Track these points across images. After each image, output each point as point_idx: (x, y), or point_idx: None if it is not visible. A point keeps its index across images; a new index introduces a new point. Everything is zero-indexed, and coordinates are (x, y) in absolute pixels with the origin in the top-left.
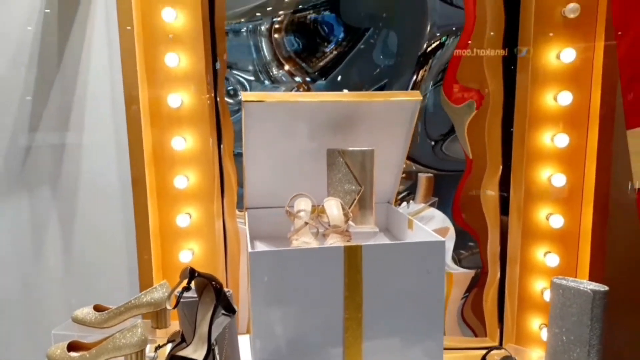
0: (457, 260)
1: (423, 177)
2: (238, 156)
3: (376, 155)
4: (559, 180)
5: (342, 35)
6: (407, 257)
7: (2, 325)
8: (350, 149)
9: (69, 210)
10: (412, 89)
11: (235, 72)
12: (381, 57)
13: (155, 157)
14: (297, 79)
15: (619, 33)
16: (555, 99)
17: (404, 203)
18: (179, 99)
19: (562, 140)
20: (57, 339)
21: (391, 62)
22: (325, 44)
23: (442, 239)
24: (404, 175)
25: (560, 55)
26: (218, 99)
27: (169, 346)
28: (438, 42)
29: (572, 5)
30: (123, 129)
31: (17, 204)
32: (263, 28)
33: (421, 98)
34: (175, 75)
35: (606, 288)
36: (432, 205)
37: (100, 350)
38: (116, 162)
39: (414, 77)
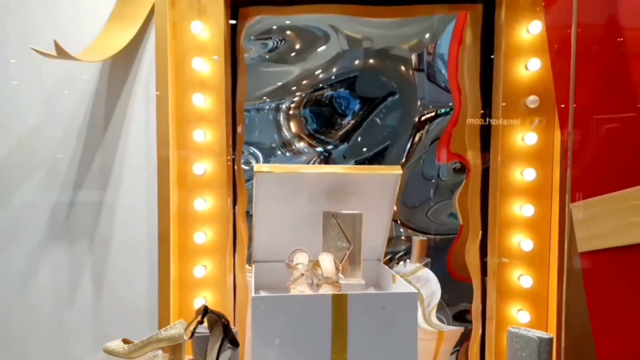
0: (450, 317)
1: (417, 240)
2: (250, 216)
3: (365, 218)
4: (528, 245)
5: (357, 107)
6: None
7: (40, 357)
8: (342, 212)
9: (102, 260)
10: (409, 151)
11: (255, 144)
12: (387, 123)
13: (179, 216)
14: (319, 149)
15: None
16: (522, 174)
17: (401, 262)
18: (202, 167)
19: (528, 210)
20: None
21: (393, 128)
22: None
23: (415, 291)
24: (403, 237)
25: (525, 138)
26: (236, 167)
27: None
28: (433, 114)
29: (532, 97)
30: (154, 191)
31: (58, 253)
32: (284, 106)
33: (401, 172)
34: (200, 147)
35: (551, 336)
36: (425, 265)
37: None
38: (146, 219)
39: (410, 141)
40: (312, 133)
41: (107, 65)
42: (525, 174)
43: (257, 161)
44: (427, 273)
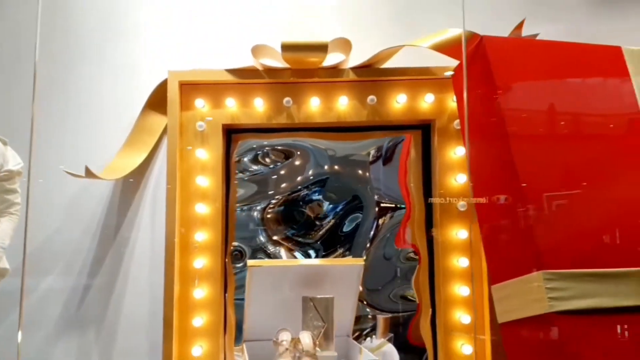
0: None
1: (381, 318)
2: (237, 303)
3: (335, 301)
4: (466, 319)
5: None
6: None
7: None
8: (317, 297)
9: (110, 343)
10: (372, 238)
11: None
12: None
13: (181, 304)
14: (297, 253)
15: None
16: (457, 262)
17: (368, 338)
18: (201, 262)
19: (465, 290)
20: None
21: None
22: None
23: (375, 358)
24: (369, 316)
25: (458, 233)
26: (227, 261)
27: None
28: (392, 206)
29: (461, 202)
30: (156, 282)
31: (69, 339)
32: (260, 208)
33: (363, 263)
34: (200, 245)
35: None
36: (389, 340)
37: None
38: (147, 308)
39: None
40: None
41: (120, 180)
42: (460, 262)
43: (243, 256)
44: (390, 348)
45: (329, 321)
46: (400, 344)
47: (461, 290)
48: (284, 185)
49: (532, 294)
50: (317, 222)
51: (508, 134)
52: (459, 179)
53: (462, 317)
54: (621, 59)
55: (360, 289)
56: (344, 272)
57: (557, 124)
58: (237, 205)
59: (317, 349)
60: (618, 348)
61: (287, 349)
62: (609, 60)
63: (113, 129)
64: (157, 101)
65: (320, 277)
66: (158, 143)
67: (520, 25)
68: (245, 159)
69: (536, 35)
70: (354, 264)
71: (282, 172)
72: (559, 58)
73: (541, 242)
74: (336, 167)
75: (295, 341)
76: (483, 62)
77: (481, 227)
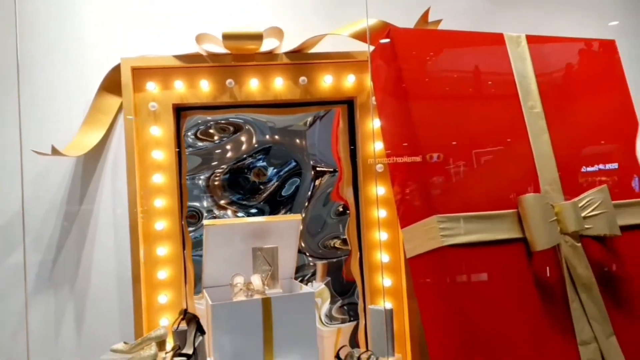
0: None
1: (319, 264)
2: (195, 258)
3: (280, 250)
4: (386, 258)
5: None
6: (294, 302)
7: None
8: (264, 247)
9: (83, 297)
10: (309, 197)
11: (196, 206)
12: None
13: (147, 261)
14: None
15: (388, 151)
16: (377, 213)
17: (309, 283)
18: (161, 225)
19: (384, 236)
20: None
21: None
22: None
23: (313, 291)
24: (311, 264)
25: (378, 190)
26: (183, 222)
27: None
28: (329, 170)
29: (379, 165)
30: (122, 245)
31: (45, 302)
32: (209, 176)
33: (300, 218)
34: (160, 210)
35: (391, 307)
36: (327, 284)
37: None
38: (117, 265)
39: (309, 192)
40: (237, 200)
41: (81, 157)
42: (380, 213)
43: (199, 218)
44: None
45: (275, 266)
46: (337, 281)
47: (382, 235)
48: (230, 155)
49: (430, 234)
50: (262, 187)
51: (410, 107)
52: (377, 146)
53: (383, 256)
54: (503, 42)
55: (300, 241)
56: (285, 226)
57: (450, 96)
58: (190, 174)
59: (266, 287)
60: (495, 269)
61: (241, 289)
62: (493, 44)
63: (69, 111)
64: (111, 84)
65: (266, 231)
66: (114, 122)
67: (426, 14)
68: (194, 134)
69: (440, 20)
70: (293, 219)
71: (229, 143)
72: (451, 44)
73: (436, 193)
74: (276, 137)
75: (248, 283)
76: (391, 49)
77: (393, 184)
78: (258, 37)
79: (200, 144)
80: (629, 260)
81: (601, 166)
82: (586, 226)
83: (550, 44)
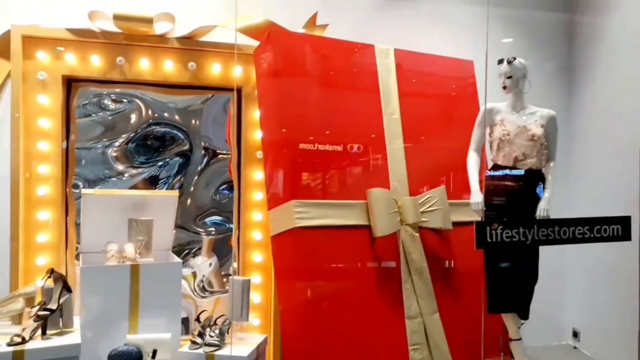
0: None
1: (205, 239)
2: (77, 225)
3: (155, 223)
4: (259, 236)
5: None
6: (162, 271)
7: None
8: (140, 218)
9: None
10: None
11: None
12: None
13: (26, 225)
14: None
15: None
16: (255, 195)
17: (196, 257)
18: (44, 190)
19: (259, 216)
20: None
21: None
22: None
23: (180, 261)
24: (197, 240)
25: (257, 175)
26: (68, 190)
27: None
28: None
29: (259, 152)
30: (5, 208)
31: None
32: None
33: (177, 194)
34: (43, 177)
35: (249, 278)
36: (212, 261)
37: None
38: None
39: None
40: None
41: None
42: (257, 196)
43: (85, 186)
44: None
45: (149, 237)
46: (221, 255)
47: (257, 216)
48: (121, 127)
49: (288, 216)
50: (150, 162)
51: (283, 102)
52: (258, 134)
53: (257, 234)
54: (372, 52)
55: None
56: (162, 201)
57: (319, 95)
58: (84, 143)
59: (138, 256)
60: (341, 249)
61: (113, 256)
62: (365, 53)
63: None
64: (1, 49)
65: (143, 205)
66: (2, 86)
67: (313, 17)
68: (88, 105)
69: (326, 25)
70: (170, 195)
71: (121, 116)
72: (326, 49)
73: (294, 181)
74: (166, 114)
75: (121, 251)
76: (270, 47)
77: (265, 171)
78: (148, 21)
79: (93, 115)
80: (458, 251)
81: (443, 170)
82: (423, 219)
83: (416, 59)
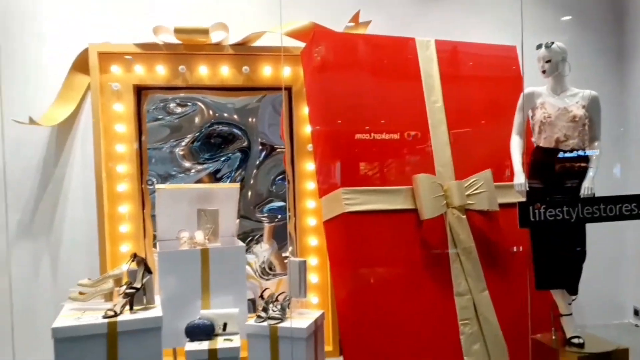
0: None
1: (266, 227)
2: (153, 216)
3: (221, 212)
4: (313, 222)
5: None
6: (228, 254)
7: (28, 305)
8: (207, 209)
9: (58, 245)
10: (258, 167)
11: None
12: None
13: (111, 218)
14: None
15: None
16: (308, 186)
17: (259, 244)
18: (123, 186)
19: (312, 204)
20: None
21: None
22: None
23: (243, 245)
24: (258, 228)
25: (309, 166)
26: (143, 186)
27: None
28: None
29: (309, 145)
30: (89, 202)
31: (25, 248)
32: (172, 145)
33: (239, 186)
34: (122, 175)
35: (304, 259)
36: (272, 247)
37: (96, 291)
38: (85, 222)
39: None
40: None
41: (55, 127)
42: (310, 185)
43: (158, 182)
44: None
45: (216, 224)
46: (280, 238)
47: (310, 204)
48: (186, 129)
49: (337, 202)
50: (214, 157)
51: (329, 98)
52: (308, 129)
53: (311, 221)
54: (413, 45)
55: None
56: (226, 192)
57: (362, 89)
58: (154, 144)
59: (207, 241)
60: (389, 232)
61: (185, 242)
62: (405, 46)
63: (44, 87)
64: (80, 65)
65: (209, 196)
66: (83, 97)
67: (356, 15)
68: (156, 110)
69: (369, 22)
70: (232, 187)
71: (186, 119)
72: (367, 46)
73: (342, 170)
74: (225, 114)
75: (192, 237)
76: (314, 47)
77: (315, 162)
78: (205, 32)
79: (162, 118)
80: (505, 232)
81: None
82: (469, 202)
83: (457, 48)
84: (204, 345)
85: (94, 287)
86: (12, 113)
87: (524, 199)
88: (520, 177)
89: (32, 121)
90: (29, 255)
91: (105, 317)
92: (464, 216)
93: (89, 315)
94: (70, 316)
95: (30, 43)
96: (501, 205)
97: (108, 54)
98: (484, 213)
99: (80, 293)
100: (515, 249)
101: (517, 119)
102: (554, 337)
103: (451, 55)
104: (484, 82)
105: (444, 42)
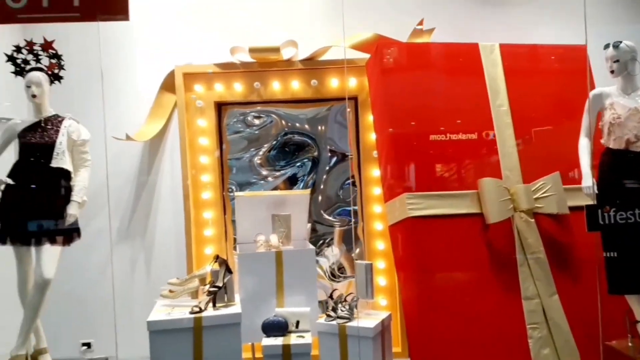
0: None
1: (336, 230)
2: (233, 221)
3: (292, 217)
4: (379, 226)
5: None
6: (299, 256)
7: (126, 299)
8: (281, 214)
9: (150, 247)
10: (327, 172)
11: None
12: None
13: (196, 223)
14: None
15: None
16: (374, 190)
17: (329, 247)
18: (207, 194)
19: (379, 209)
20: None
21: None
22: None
23: (313, 248)
24: (329, 232)
25: (373, 171)
26: (224, 193)
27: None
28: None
29: (375, 152)
30: (178, 209)
31: (123, 250)
32: (250, 156)
33: (309, 193)
34: (206, 184)
35: (371, 262)
36: (341, 250)
37: (184, 289)
38: (173, 225)
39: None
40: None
41: (147, 142)
42: (375, 191)
43: (237, 190)
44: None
45: (288, 229)
46: (349, 242)
47: (377, 208)
48: (262, 140)
49: (401, 207)
50: (287, 166)
51: (392, 105)
52: (373, 136)
53: (378, 225)
54: (477, 50)
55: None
56: (297, 199)
57: (426, 96)
58: (234, 154)
59: (280, 244)
60: (454, 236)
61: (261, 244)
62: (468, 52)
63: (138, 106)
64: (168, 85)
65: (282, 202)
66: (171, 114)
67: (420, 23)
68: (235, 123)
69: (433, 29)
70: (303, 193)
71: (262, 131)
72: (430, 53)
73: (406, 176)
74: (297, 125)
75: (267, 240)
76: (379, 59)
77: (380, 167)
78: (276, 50)
79: (241, 131)
80: (576, 235)
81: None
82: (538, 205)
83: (522, 50)
84: (278, 340)
85: (181, 285)
86: (112, 130)
87: (593, 202)
88: (588, 180)
89: (128, 137)
90: (127, 257)
91: (191, 312)
92: (532, 220)
93: (178, 311)
94: (162, 311)
95: (125, 67)
96: (571, 209)
97: (191, 74)
98: (554, 216)
99: (170, 291)
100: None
101: (585, 120)
102: (630, 345)
103: (516, 58)
104: (551, 84)
105: (508, 45)
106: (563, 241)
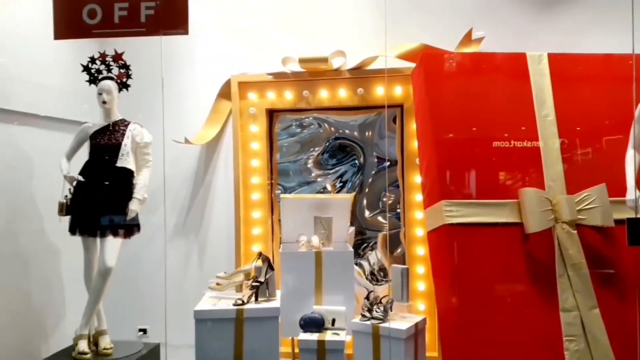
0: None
1: (380, 235)
2: (280, 220)
3: (334, 220)
4: (420, 232)
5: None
6: (337, 257)
7: (180, 292)
8: (323, 216)
9: (204, 243)
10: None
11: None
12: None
13: (244, 220)
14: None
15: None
16: (416, 196)
17: (373, 252)
18: (257, 195)
19: (420, 214)
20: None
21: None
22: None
23: (352, 250)
24: (374, 236)
25: (415, 177)
26: (272, 195)
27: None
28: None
29: (417, 159)
30: (230, 208)
31: (178, 245)
32: (301, 160)
33: (351, 197)
34: (255, 186)
35: (407, 267)
36: (384, 253)
37: (229, 282)
38: (225, 223)
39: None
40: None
41: (204, 145)
42: (418, 197)
43: (284, 192)
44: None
45: (329, 231)
46: (392, 246)
47: (418, 215)
48: (309, 146)
49: (439, 214)
50: (333, 170)
51: (435, 114)
52: (416, 143)
53: (419, 231)
54: (524, 59)
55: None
56: (339, 202)
57: (471, 105)
58: (286, 158)
59: (321, 245)
60: (492, 244)
61: (303, 244)
62: (516, 62)
63: (196, 112)
64: (224, 93)
65: (325, 205)
66: (227, 120)
67: (469, 33)
68: (286, 129)
69: (482, 38)
70: (345, 197)
71: (310, 137)
72: (476, 63)
73: (445, 183)
74: (347, 131)
75: (309, 241)
76: (423, 68)
77: (421, 174)
78: (324, 60)
79: (292, 136)
80: (621, 249)
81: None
82: (580, 217)
83: (571, 60)
84: (314, 336)
85: (228, 279)
86: (173, 134)
87: (636, 216)
88: (631, 193)
89: (187, 141)
90: (182, 251)
91: (235, 304)
92: (575, 231)
93: (223, 302)
94: (208, 302)
95: (185, 76)
96: (616, 222)
97: (246, 83)
98: (598, 229)
99: (217, 284)
100: None
101: (634, 132)
102: None
103: (565, 68)
104: (600, 93)
105: (558, 55)
106: (606, 254)
